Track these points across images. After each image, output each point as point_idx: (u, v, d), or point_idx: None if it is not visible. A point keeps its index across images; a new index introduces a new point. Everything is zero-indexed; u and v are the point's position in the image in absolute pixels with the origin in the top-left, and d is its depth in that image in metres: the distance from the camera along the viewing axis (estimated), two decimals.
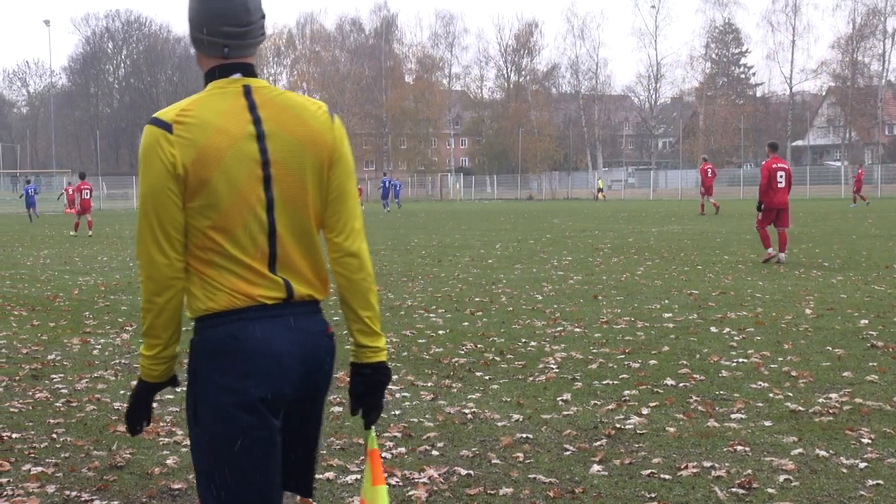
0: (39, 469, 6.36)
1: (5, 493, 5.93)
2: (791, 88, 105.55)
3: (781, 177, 19.53)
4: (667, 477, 5.97)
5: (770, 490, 5.68)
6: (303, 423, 3.28)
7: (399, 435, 7.04)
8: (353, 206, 3.24)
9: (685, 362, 9.40)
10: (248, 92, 3.13)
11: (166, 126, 3.04)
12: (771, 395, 8.02)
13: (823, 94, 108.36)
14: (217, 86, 3.14)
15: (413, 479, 6.03)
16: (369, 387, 3.34)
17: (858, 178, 51.41)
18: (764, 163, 20.08)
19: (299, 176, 3.13)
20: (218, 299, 3.08)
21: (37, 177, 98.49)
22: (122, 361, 10.05)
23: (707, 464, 6.18)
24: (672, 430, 7.01)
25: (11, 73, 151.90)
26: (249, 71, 3.18)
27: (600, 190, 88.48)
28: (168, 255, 3.07)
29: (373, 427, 3.37)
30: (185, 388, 3.27)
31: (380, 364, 3.31)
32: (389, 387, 8.39)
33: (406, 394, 8.33)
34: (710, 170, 43.00)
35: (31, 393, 8.62)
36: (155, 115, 3.09)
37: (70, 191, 49.31)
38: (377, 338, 3.30)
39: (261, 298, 3.09)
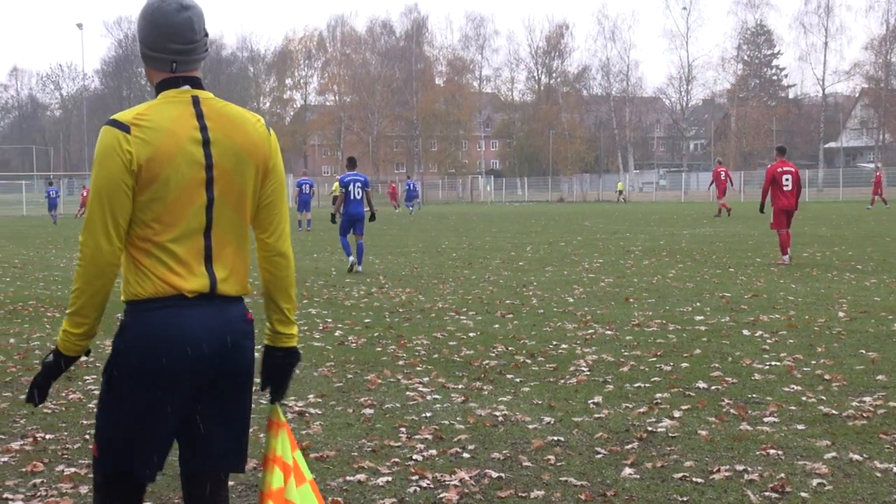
0: (73, 470, 6.39)
1: (39, 493, 5.97)
2: (824, 90, 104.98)
3: (787, 180, 19.88)
4: (699, 480, 5.94)
5: (803, 494, 5.65)
6: (227, 402, 3.55)
7: (430, 437, 7.04)
8: (284, 210, 3.63)
9: (717, 365, 9.36)
10: (196, 102, 3.46)
11: (125, 127, 3.36)
12: (804, 398, 7.98)
13: (856, 95, 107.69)
14: (168, 95, 3.46)
15: (444, 481, 6.03)
16: (279, 367, 3.70)
17: (877, 180, 51.26)
18: (770, 166, 20.43)
19: (239, 180, 3.48)
20: (146, 287, 3.40)
21: (70, 179, 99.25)
22: None
23: (739, 467, 6.15)
24: (704, 433, 6.98)
25: (45, 77, 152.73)
26: (196, 83, 3.51)
27: (620, 192, 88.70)
28: (113, 242, 3.37)
29: (277, 403, 3.71)
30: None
31: (291, 348, 3.71)
32: (420, 389, 8.45)
33: (437, 396, 8.33)
34: (723, 172, 43.71)
35: (64, 394, 8.66)
36: (113, 117, 3.43)
37: (84, 193, 49.89)
38: (292, 326, 3.71)
39: (184, 290, 3.41)
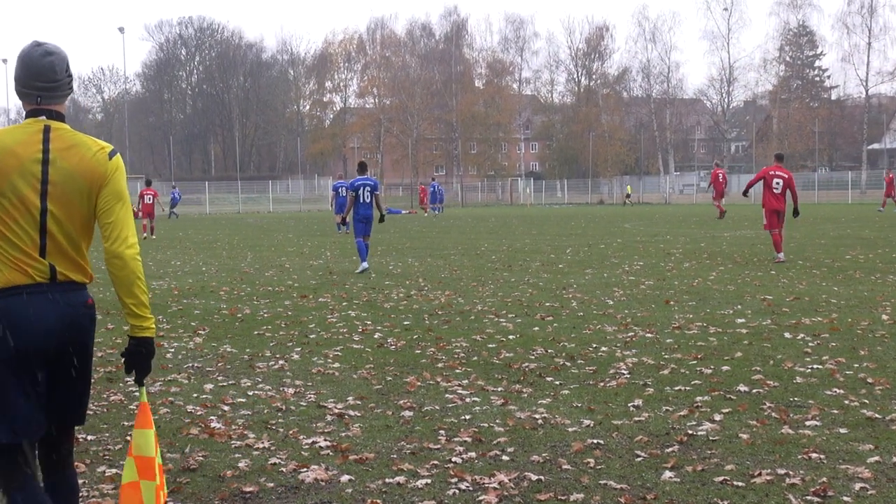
0: (114, 471, 6.43)
1: (81, 494, 6.00)
2: (867, 91, 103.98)
3: (778, 183, 21.14)
4: (740, 484, 5.90)
5: (846, 498, 5.60)
6: (67, 371, 4.32)
7: (469, 440, 7.03)
8: (119, 220, 4.33)
9: (758, 368, 9.30)
10: (47, 130, 4.27)
11: None
12: (846, 402, 7.91)
13: None
14: (27, 122, 4.30)
15: (483, 483, 6.02)
16: (134, 354, 4.37)
17: (889, 181, 51.33)
18: (764, 168, 21.85)
19: (70, 195, 4.26)
20: (0, 277, 4.19)
21: None
22: (195, 365, 10.16)
23: (781, 471, 6.11)
24: (745, 436, 6.94)
25: (87, 80, 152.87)
26: (55, 115, 4.32)
27: (628, 196, 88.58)
28: None
29: (143, 384, 4.53)
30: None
31: (143, 338, 4.36)
32: (459, 391, 8.46)
33: (476, 398, 8.32)
34: (721, 174, 44.83)
35: (105, 395, 8.73)
36: None
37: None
38: (141, 319, 4.35)
39: (31, 276, 4.20)
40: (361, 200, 20.91)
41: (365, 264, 20.49)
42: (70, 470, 4.53)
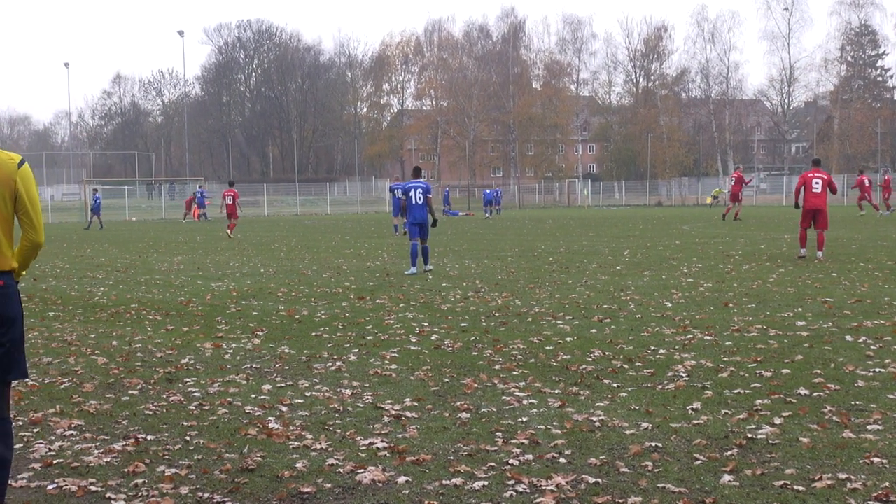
0: (173, 471, 6.48)
1: (141, 493, 6.06)
2: None
3: (818, 183, 22.21)
4: (800, 488, 5.83)
5: None
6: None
7: (526, 442, 7.02)
8: (35, 217, 5.49)
9: (819, 371, 9.20)
10: None
11: None
12: None
13: None
14: None
15: (540, 486, 6.00)
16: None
17: (886, 184, 51.20)
18: (802, 173, 22.74)
19: None
20: None
21: (171, 184, 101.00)
22: (253, 366, 10.21)
23: (842, 476, 6.03)
24: (806, 440, 6.86)
25: (147, 83, 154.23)
26: None
27: (715, 198, 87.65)
28: None
29: None
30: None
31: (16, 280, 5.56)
32: (516, 393, 8.46)
33: (533, 401, 8.30)
34: (737, 178, 45.96)
35: (165, 396, 8.80)
36: None
37: (199, 195, 51.94)
38: (25, 270, 5.63)
39: None
40: (414, 202, 21.09)
41: (413, 269, 20.67)
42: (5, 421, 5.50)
